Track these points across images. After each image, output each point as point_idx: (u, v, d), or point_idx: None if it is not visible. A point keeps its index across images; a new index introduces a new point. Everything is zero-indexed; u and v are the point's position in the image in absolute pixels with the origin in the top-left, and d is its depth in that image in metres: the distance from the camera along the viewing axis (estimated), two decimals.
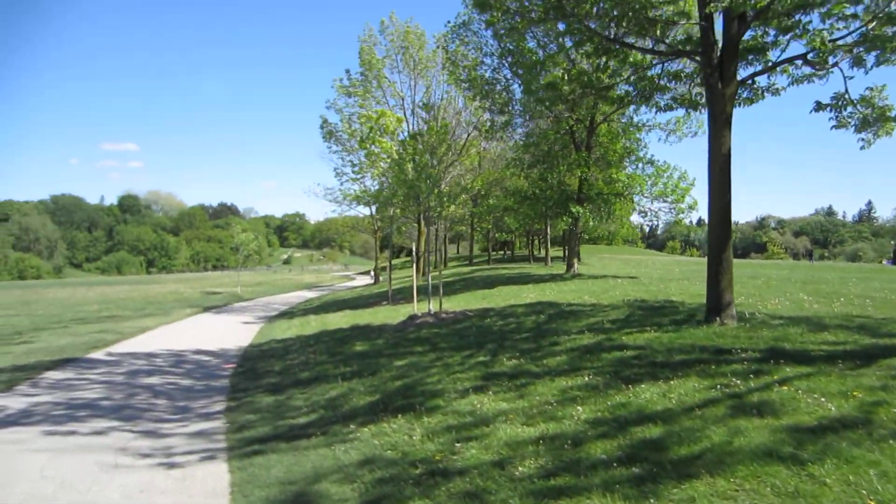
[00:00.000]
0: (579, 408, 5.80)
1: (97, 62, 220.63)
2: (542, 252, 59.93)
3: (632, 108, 20.91)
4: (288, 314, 22.38)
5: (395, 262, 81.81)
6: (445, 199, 13.86)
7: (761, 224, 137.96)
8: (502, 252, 66.43)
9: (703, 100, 10.39)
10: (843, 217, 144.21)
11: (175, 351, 13.34)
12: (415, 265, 29.53)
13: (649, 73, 11.54)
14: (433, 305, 13.51)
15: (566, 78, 12.74)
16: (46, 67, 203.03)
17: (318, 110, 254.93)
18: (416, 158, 13.71)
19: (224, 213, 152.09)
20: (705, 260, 10.74)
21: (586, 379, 6.73)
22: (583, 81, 12.52)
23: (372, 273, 70.99)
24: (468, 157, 27.58)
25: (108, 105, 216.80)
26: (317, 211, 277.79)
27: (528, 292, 16.65)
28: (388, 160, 20.07)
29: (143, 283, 51.54)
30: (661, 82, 11.19)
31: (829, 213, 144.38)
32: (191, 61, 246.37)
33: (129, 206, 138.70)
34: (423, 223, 28.59)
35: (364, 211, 39.57)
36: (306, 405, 7.46)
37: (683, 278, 19.51)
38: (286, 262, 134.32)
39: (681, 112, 16.07)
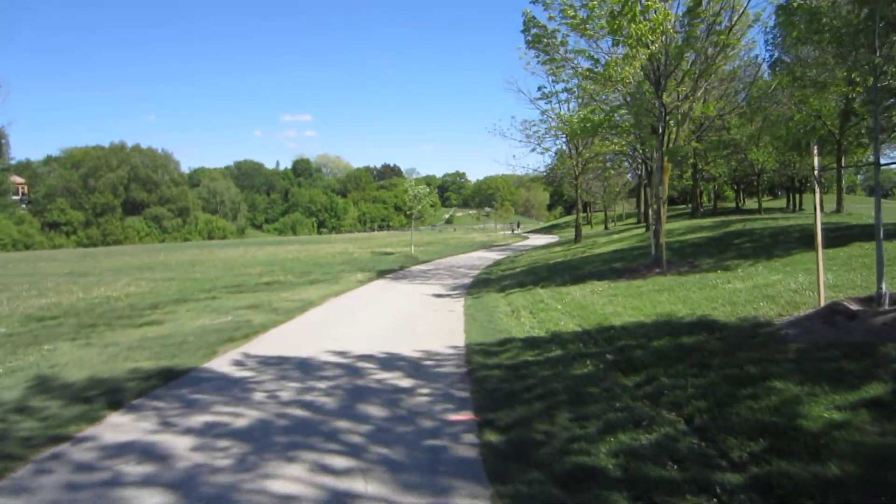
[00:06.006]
0: None
1: (281, 41, 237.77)
2: (783, 200, 43.79)
3: None
4: (490, 283, 16.09)
5: (567, 219, 73.49)
6: None
7: None
8: (685, 206, 54.09)
9: None
10: None
11: (347, 360, 7.43)
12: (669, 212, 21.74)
13: None
14: (885, 286, 5.95)
15: None
16: (241, 49, 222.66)
17: (474, 76, 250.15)
18: None
19: (388, 173, 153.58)
20: None
21: None
22: None
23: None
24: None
25: (287, 80, 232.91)
26: (477, 170, 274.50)
27: None
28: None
29: (314, 243, 49.96)
30: None
31: None
32: (356, 33, 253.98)
33: (301, 169, 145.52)
34: (666, 156, 20.39)
35: (553, 152, 32.38)
36: None
37: None
38: (448, 221, 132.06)
39: None
